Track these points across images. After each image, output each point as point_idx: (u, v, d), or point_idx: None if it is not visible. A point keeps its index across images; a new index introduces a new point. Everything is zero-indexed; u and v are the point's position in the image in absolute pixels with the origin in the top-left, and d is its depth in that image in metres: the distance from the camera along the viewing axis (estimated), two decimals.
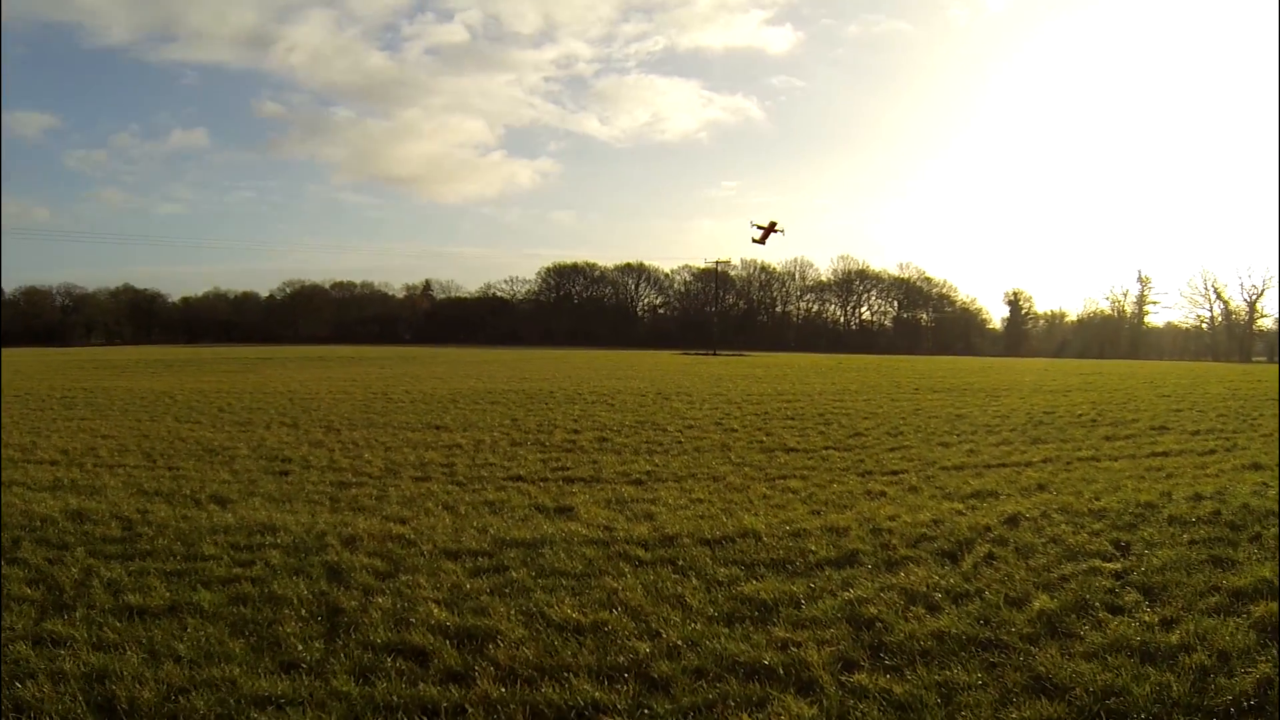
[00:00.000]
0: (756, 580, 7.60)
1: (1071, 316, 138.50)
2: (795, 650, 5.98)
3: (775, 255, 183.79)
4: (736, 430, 18.58)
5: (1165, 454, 14.76)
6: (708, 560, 8.30)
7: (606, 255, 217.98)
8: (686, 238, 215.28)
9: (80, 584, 7.69)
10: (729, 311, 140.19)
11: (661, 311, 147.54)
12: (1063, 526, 9.27)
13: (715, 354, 76.64)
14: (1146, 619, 6.48)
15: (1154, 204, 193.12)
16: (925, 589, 7.26)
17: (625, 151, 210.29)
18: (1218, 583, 7.28)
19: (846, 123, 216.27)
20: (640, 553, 8.62)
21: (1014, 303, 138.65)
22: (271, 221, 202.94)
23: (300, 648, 6.14)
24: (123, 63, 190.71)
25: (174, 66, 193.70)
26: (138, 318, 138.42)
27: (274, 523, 10.00)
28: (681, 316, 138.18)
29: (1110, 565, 7.87)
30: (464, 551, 8.79)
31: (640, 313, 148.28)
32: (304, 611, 6.90)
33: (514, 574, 7.95)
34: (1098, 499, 10.69)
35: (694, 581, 7.61)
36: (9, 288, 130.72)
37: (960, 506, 10.47)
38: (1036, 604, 6.83)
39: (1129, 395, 26.46)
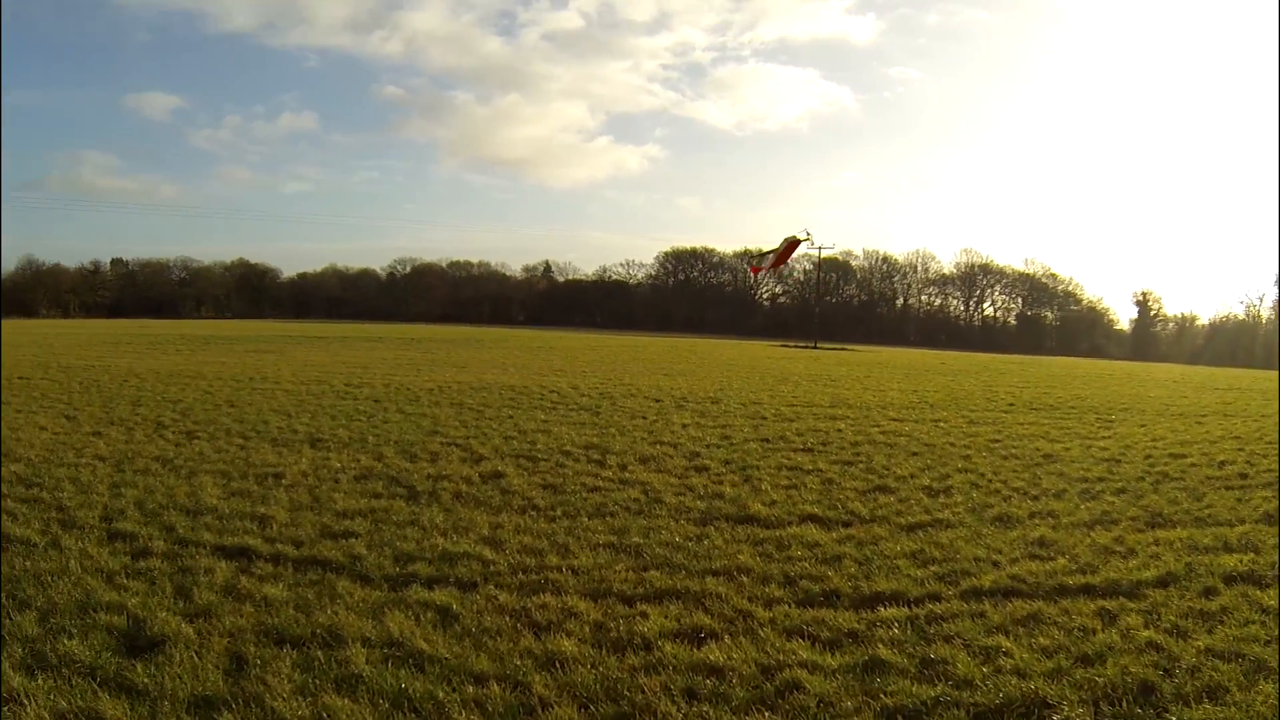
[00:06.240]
0: None
1: (1203, 320, 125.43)
2: None
3: (897, 246, 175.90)
4: (707, 469, 12.82)
5: None
6: None
7: (730, 242, 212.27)
8: (812, 227, 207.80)
9: None
10: (849, 303, 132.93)
11: (782, 300, 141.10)
12: None
13: (816, 347, 69.80)
14: None
15: None
16: None
17: (735, 139, 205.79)
18: None
19: (947, 113, 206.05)
20: None
21: (1142, 304, 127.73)
22: (397, 202, 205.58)
23: None
24: (245, 47, 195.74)
25: (297, 50, 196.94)
26: (248, 292, 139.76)
27: None
28: (801, 306, 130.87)
29: None
30: None
31: (760, 300, 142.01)
32: None
33: None
34: None
35: None
36: (131, 259, 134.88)
37: None
38: None
39: None
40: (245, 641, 5.98)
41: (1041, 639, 6.40)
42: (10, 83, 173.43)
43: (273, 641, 6.01)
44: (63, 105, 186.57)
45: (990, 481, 12.41)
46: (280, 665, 5.60)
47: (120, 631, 6.12)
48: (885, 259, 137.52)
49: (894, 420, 19.11)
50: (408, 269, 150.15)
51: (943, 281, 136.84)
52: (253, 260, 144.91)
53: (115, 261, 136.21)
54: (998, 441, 16.32)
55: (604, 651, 6.01)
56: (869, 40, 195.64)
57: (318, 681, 5.42)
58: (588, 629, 6.40)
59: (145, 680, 5.39)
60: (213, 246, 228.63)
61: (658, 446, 14.61)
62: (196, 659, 5.67)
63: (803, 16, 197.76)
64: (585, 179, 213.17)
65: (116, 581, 7.16)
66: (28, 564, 7.52)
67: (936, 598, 7.29)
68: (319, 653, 5.82)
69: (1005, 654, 6.11)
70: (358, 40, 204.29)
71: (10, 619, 6.28)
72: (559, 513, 9.95)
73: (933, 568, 8.13)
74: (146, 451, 13.14)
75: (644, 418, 18.27)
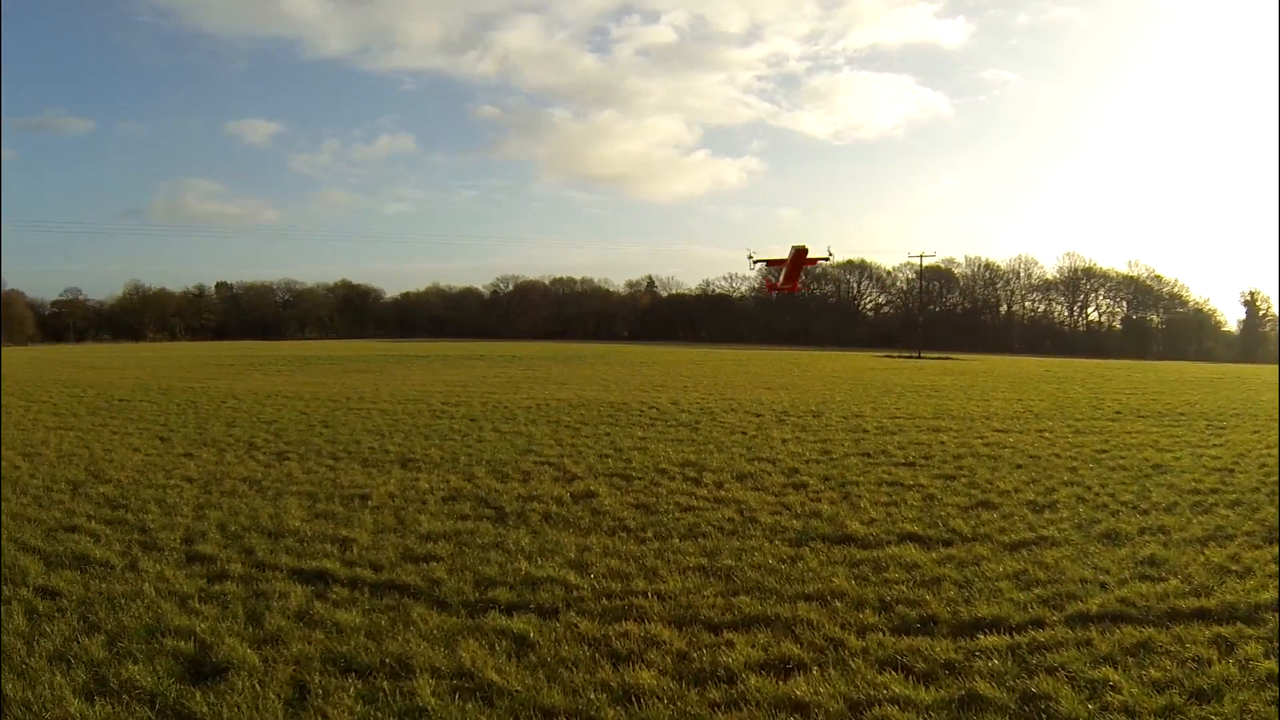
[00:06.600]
0: None
1: None
2: None
3: (999, 252, 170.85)
4: (805, 486, 12.29)
5: None
6: None
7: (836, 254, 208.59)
8: (913, 235, 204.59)
9: None
10: (952, 311, 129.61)
11: (886, 310, 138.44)
12: None
13: (919, 357, 68.07)
14: None
15: None
16: None
17: (833, 149, 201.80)
18: None
19: (1044, 114, 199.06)
20: None
21: (1250, 303, 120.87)
22: (498, 220, 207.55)
23: None
24: (342, 72, 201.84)
25: (393, 74, 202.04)
26: (351, 313, 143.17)
27: None
28: (905, 316, 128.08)
29: None
30: None
31: (864, 311, 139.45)
32: None
33: None
34: None
35: None
36: (235, 282, 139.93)
37: None
38: None
39: None
40: (311, 670, 5.76)
41: (1152, 671, 5.79)
42: (116, 115, 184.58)
43: (339, 670, 5.77)
44: (166, 135, 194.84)
45: (1097, 495, 11.63)
46: (343, 696, 5.34)
47: (186, 657, 5.98)
48: (987, 266, 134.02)
49: (998, 431, 18.21)
50: (510, 287, 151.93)
51: (1046, 287, 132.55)
52: (355, 281, 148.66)
53: (220, 285, 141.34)
54: (1105, 452, 15.38)
55: (684, 684, 5.60)
56: (960, 44, 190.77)
57: (380, 714, 5.16)
58: (669, 659, 5.99)
59: (204, 709, 5.20)
60: (315, 268, 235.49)
61: (756, 463, 14.11)
62: (258, 688, 5.46)
63: (892, 22, 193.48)
64: (684, 193, 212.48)
65: (189, 605, 7.04)
66: (103, 586, 7.47)
67: (1040, 624, 6.70)
68: (385, 683, 5.54)
69: (1113, 688, 5.53)
70: (452, 61, 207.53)
71: (79, 642, 6.16)
72: (649, 534, 9.55)
73: (1036, 590, 7.51)
74: (235, 473, 13.23)
75: (743, 433, 17.80)
